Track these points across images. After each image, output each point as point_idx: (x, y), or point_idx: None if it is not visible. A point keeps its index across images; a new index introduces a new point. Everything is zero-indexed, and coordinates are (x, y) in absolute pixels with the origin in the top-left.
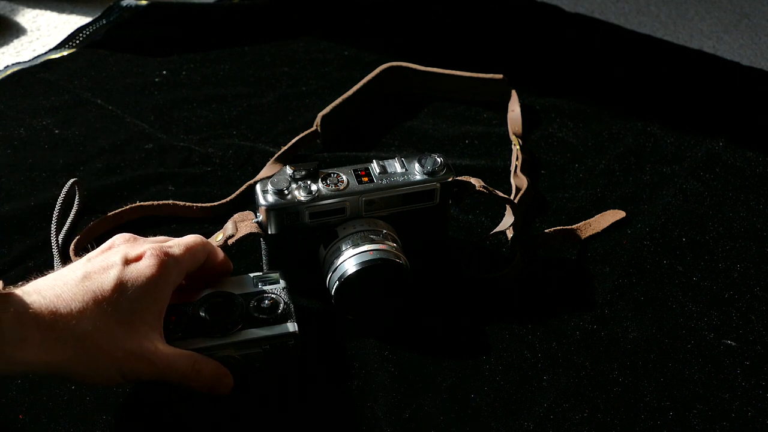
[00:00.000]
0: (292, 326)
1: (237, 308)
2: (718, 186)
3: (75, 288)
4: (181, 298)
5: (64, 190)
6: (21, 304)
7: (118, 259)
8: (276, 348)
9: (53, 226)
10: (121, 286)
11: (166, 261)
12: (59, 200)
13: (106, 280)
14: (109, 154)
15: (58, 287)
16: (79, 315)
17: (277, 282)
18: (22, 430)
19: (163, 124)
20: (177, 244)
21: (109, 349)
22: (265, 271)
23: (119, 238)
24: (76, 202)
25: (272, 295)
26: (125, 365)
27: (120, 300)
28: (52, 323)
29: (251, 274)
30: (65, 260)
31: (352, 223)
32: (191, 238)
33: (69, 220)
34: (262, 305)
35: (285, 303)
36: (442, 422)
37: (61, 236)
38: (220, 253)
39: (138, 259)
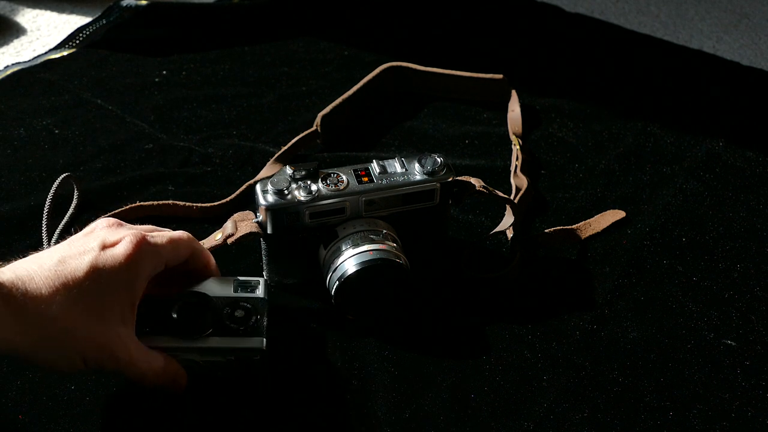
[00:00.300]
0: (259, 341)
1: (210, 313)
2: (718, 186)
3: (48, 271)
4: (161, 291)
5: (55, 184)
6: None
7: (95, 244)
8: (240, 360)
9: (44, 222)
10: (93, 273)
11: (144, 248)
12: (50, 195)
13: (80, 266)
14: (109, 154)
15: (33, 270)
16: (48, 299)
17: (257, 290)
18: (22, 430)
19: (163, 124)
20: (160, 234)
21: (75, 336)
22: (248, 277)
23: (102, 222)
24: (75, 197)
25: (248, 305)
26: (88, 353)
27: (91, 287)
28: (21, 305)
29: (234, 278)
30: None
31: (352, 223)
32: (178, 233)
33: (67, 215)
34: (235, 314)
35: (258, 316)
36: (442, 422)
37: (56, 234)
38: (208, 258)
39: (115, 244)
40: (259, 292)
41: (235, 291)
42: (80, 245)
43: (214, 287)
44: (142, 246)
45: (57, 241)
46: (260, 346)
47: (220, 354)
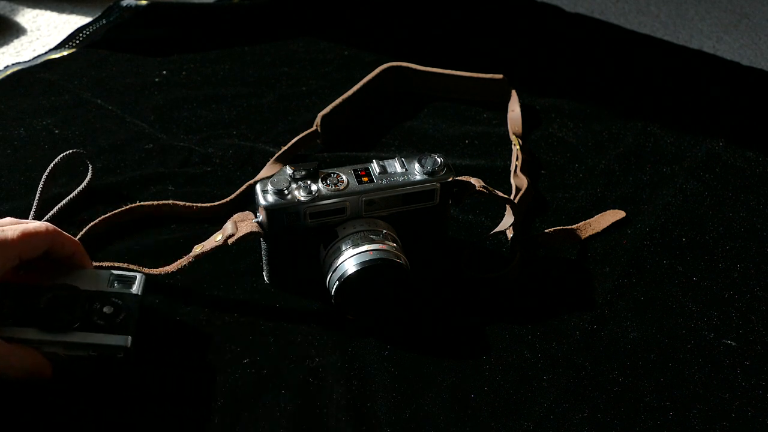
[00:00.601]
0: (123, 339)
1: (78, 307)
2: (718, 186)
3: None
4: (31, 278)
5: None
6: None
7: None
8: (103, 357)
9: (37, 195)
10: None
11: None
12: (51, 165)
13: None
14: (109, 154)
15: None
16: None
17: (131, 286)
18: (22, 430)
19: (163, 124)
20: (12, 228)
21: None
22: (125, 272)
23: None
24: (88, 176)
25: (118, 302)
26: None
27: None
28: None
29: (112, 271)
30: None
31: (352, 223)
32: (32, 224)
33: (75, 192)
34: (103, 309)
35: (128, 312)
36: (442, 422)
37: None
38: (76, 247)
39: None
40: (134, 288)
41: (110, 285)
42: None
43: (88, 280)
44: None
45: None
46: (124, 344)
47: (84, 349)
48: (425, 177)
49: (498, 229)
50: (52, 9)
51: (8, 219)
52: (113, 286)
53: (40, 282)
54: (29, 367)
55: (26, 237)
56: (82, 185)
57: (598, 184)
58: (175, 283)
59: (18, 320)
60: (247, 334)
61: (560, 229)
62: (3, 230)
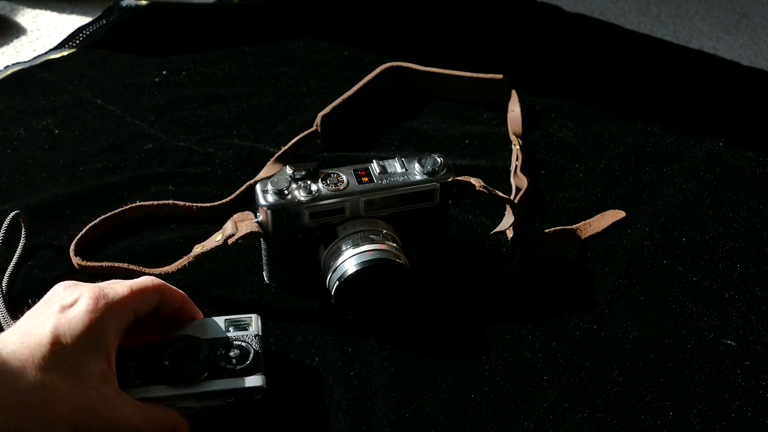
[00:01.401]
0: (258, 380)
1: (202, 356)
2: (718, 186)
3: (13, 346)
4: (147, 339)
5: (6, 223)
6: None
7: (54, 308)
8: (241, 401)
9: None
10: (58, 338)
11: (105, 304)
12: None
13: (43, 334)
14: (109, 154)
15: (26, 345)
16: (18, 374)
17: (249, 327)
18: None
19: (163, 124)
20: (121, 284)
21: (54, 406)
22: (239, 315)
23: (58, 287)
24: (23, 237)
25: (242, 344)
26: (75, 420)
27: (60, 353)
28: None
29: (224, 317)
30: (12, 308)
31: (352, 223)
32: (141, 280)
33: (14, 260)
34: (229, 354)
35: (255, 352)
36: (442, 422)
37: (5, 281)
38: (182, 298)
39: (73, 304)
40: (252, 328)
41: (227, 330)
42: (38, 314)
43: (205, 329)
44: (100, 300)
45: (8, 285)
46: (260, 384)
47: (219, 397)
48: (425, 177)
49: (498, 229)
50: (52, 9)
51: (110, 281)
52: (230, 331)
53: (155, 339)
54: (162, 422)
55: (135, 294)
56: (18, 251)
57: (598, 184)
58: (175, 283)
59: (146, 380)
60: None
61: (560, 229)
62: (112, 288)
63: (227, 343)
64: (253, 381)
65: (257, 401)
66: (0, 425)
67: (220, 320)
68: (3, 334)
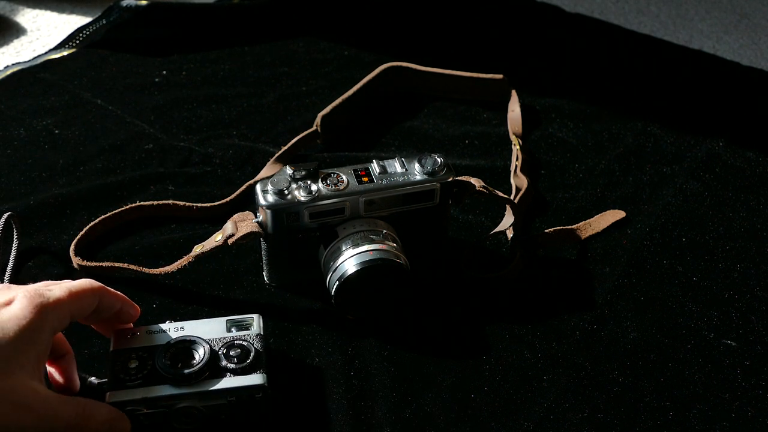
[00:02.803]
0: (260, 378)
1: (204, 356)
2: (718, 186)
3: None
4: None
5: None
6: None
7: None
8: (242, 400)
9: None
10: None
11: (41, 303)
12: None
13: None
14: (109, 154)
15: None
16: None
17: (251, 327)
18: None
19: (163, 124)
20: (59, 287)
21: None
22: (241, 315)
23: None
24: (15, 238)
25: (243, 343)
26: (3, 416)
27: None
28: None
29: (226, 318)
30: None
31: (352, 223)
32: (79, 283)
33: (10, 261)
34: (230, 353)
35: (256, 351)
36: (442, 422)
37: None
38: (120, 300)
39: (8, 303)
40: (254, 328)
41: (229, 330)
42: None
43: (207, 329)
44: (35, 300)
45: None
46: (261, 383)
47: (221, 396)
48: (425, 177)
49: (498, 229)
50: (52, 9)
51: (44, 282)
52: (232, 331)
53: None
54: (103, 419)
55: (74, 296)
56: (13, 252)
57: (598, 184)
58: (175, 283)
59: (148, 379)
60: None
61: (560, 229)
62: (50, 290)
63: (228, 342)
64: (255, 380)
65: (259, 400)
66: None
67: (221, 321)
68: None
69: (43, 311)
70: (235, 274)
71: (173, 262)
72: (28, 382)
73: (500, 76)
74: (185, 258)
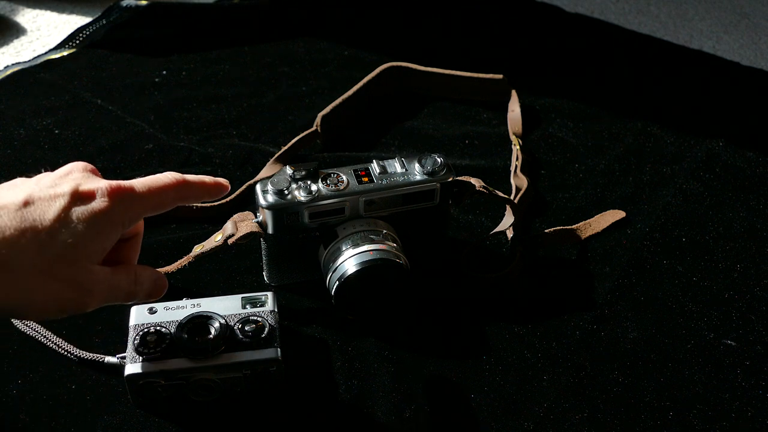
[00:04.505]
0: (274, 352)
1: (220, 330)
2: (718, 186)
3: (13, 213)
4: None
5: None
6: None
7: (67, 189)
8: (257, 373)
9: None
10: (64, 220)
11: (120, 199)
12: None
13: (49, 212)
14: (109, 154)
15: None
16: (13, 246)
17: (265, 304)
18: (22, 430)
19: (163, 124)
20: (141, 182)
21: (45, 283)
22: (255, 293)
23: (78, 166)
24: None
25: (258, 318)
26: (63, 298)
27: (61, 233)
28: None
29: (240, 295)
30: None
31: (352, 223)
32: (160, 178)
33: None
34: (245, 328)
35: (270, 327)
36: (442, 422)
37: None
38: (203, 189)
39: (89, 194)
40: (269, 305)
41: (243, 307)
42: (50, 189)
43: (222, 306)
44: (115, 196)
45: None
46: (275, 357)
47: (236, 369)
48: (425, 177)
49: (498, 229)
50: (52, 9)
51: (134, 180)
52: (247, 308)
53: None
54: (150, 279)
55: (154, 193)
56: None
57: (598, 184)
58: (175, 283)
59: (165, 353)
60: None
61: (560, 229)
62: (131, 186)
63: (244, 318)
64: (269, 353)
65: (273, 373)
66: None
67: (236, 298)
68: (5, 190)
69: (120, 207)
70: (235, 274)
71: (173, 262)
72: (91, 267)
73: (500, 76)
74: (185, 258)
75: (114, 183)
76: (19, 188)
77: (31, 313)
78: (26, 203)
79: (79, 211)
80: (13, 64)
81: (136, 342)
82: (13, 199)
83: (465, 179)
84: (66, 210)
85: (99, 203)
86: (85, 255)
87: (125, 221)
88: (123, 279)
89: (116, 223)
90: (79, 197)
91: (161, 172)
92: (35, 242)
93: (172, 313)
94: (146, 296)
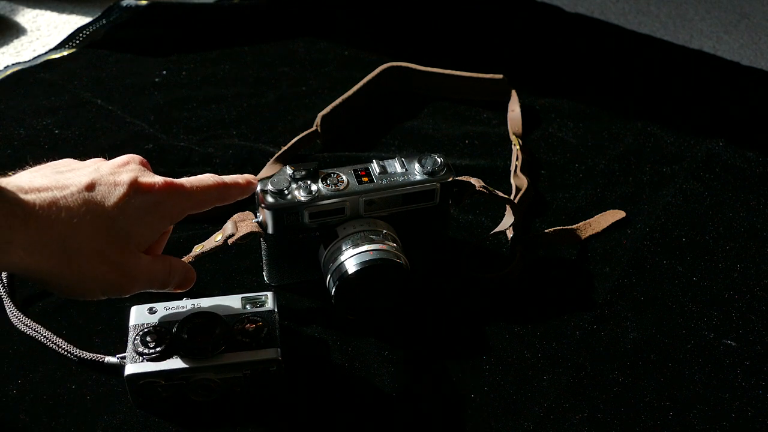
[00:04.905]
0: (274, 352)
1: (220, 330)
2: (718, 186)
3: (76, 195)
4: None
5: None
6: (14, 202)
7: (127, 179)
8: (257, 373)
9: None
10: (123, 207)
11: (174, 196)
12: None
13: (110, 197)
14: (109, 154)
15: (57, 190)
16: (74, 226)
17: (265, 304)
18: (22, 430)
19: (163, 124)
20: (189, 181)
21: (95, 264)
22: (255, 293)
23: (136, 158)
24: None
25: (258, 318)
26: (108, 281)
27: (119, 219)
28: (43, 228)
29: (240, 295)
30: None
31: (352, 223)
32: (204, 178)
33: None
34: (246, 328)
35: (270, 327)
36: (442, 422)
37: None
38: (237, 190)
39: (148, 187)
40: (269, 305)
41: (244, 307)
42: (112, 175)
43: (223, 306)
44: (170, 193)
45: (8, 285)
46: (275, 357)
47: (236, 369)
48: (425, 177)
49: (498, 229)
50: (52, 9)
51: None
52: (246, 308)
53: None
54: (182, 270)
55: (201, 191)
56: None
57: (598, 184)
58: None
59: (166, 352)
60: None
61: (560, 229)
62: (183, 185)
63: (244, 318)
64: (269, 354)
65: (273, 373)
66: (33, 267)
67: (237, 298)
68: (67, 172)
69: (172, 201)
70: (235, 274)
71: None
72: (138, 254)
73: (500, 76)
74: (185, 258)
75: (168, 179)
76: (78, 171)
77: (76, 291)
78: (89, 186)
79: (137, 201)
80: (13, 64)
81: (136, 342)
82: (78, 181)
83: (465, 179)
84: (126, 198)
85: (155, 196)
86: (136, 243)
87: (174, 215)
88: (160, 268)
89: (167, 216)
90: (138, 188)
91: (161, 172)
92: (94, 224)
93: (172, 313)
94: (177, 286)
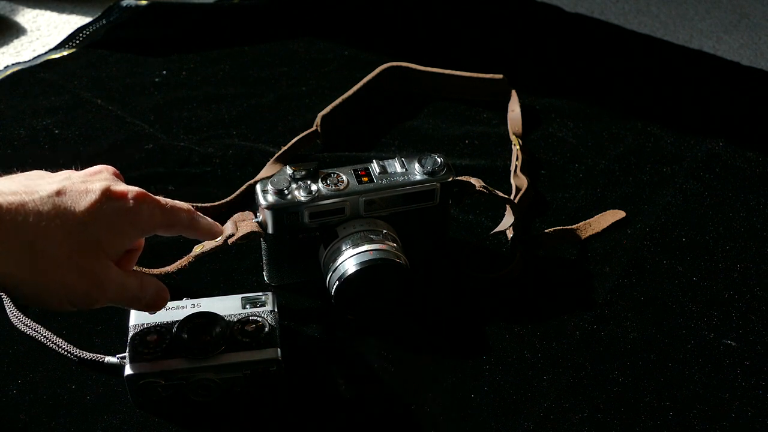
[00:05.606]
0: (274, 352)
1: (220, 330)
2: (718, 186)
3: (45, 200)
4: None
5: None
6: None
7: (99, 187)
8: (257, 373)
9: None
10: (94, 213)
11: (146, 207)
12: None
13: (82, 203)
14: (109, 154)
15: (26, 194)
16: (42, 230)
17: (266, 304)
18: (22, 430)
19: (163, 124)
20: (164, 198)
21: (64, 271)
22: (255, 293)
23: (108, 170)
24: None
25: (258, 319)
26: (76, 290)
27: (90, 225)
28: (9, 232)
29: (240, 295)
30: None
31: (352, 223)
32: (179, 203)
33: None
34: (246, 328)
35: (270, 327)
36: (442, 422)
37: None
38: (207, 229)
39: (120, 194)
40: (269, 305)
41: (243, 307)
42: (83, 183)
43: (223, 306)
44: (144, 205)
45: None
46: (275, 357)
47: (236, 369)
48: (425, 177)
49: (498, 229)
50: (52, 9)
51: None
52: (247, 308)
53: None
54: (155, 290)
55: (172, 210)
56: None
57: (598, 184)
58: (175, 283)
59: (166, 353)
60: None
61: (560, 229)
62: (156, 198)
63: (244, 318)
64: (269, 353)
65: (273, 373)
66: (5, 275)
67: (237, 298)
68: (36, 178)
69: (145, 212)
70: (235, 274)
71: (173, 262)
72: (109, 264)
73: (500, 76)
74: (185, 258)
75: (141, 189)
76: (48, 179)
77: (42, 298)
78: (59, 192)
79: (109, 208)
80: (13, 64)
81: (136, 342)
82: (46, 188)
83: (465, 179)
84: (97, 204)
85: (128, 203)
86: (106, 251)
87: (145, 227)
88: (132, 282)
89: (138, 226)
90: (110, 195)
91: (161, 172)
92: (64, 229)
93: (172, 313)
94: (147, 305)
